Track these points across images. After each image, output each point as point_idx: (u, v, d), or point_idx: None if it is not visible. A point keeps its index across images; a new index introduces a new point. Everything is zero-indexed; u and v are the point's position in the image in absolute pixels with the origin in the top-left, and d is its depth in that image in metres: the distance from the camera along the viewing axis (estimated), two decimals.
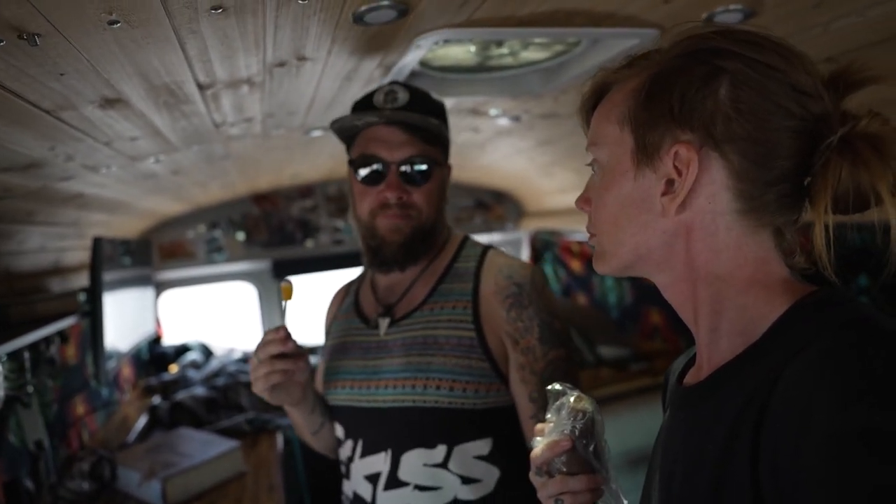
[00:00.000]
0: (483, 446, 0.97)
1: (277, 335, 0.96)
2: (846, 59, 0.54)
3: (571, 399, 0.72)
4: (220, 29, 0.74)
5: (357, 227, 1.07)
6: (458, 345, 0.98)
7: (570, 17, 0.89)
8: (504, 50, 1.31)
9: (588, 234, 0.65)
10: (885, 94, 0.60)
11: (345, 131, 1.08)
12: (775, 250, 0.56)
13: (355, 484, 1.02)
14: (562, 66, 1.35)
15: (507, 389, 0.99)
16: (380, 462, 0.98)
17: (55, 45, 0.64)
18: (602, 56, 1.20)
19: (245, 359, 3.10)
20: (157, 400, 2.58)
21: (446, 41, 1.07)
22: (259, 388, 0.96)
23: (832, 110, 0.53)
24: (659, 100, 0.55)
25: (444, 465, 0.96)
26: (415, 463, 0.96)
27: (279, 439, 2.20)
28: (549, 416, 0.73)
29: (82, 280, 2.22)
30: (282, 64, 0.97)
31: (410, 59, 1.09)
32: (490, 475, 0.96)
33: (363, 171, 1.03)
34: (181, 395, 2.49)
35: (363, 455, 1.00)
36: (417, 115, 1.01)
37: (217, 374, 2.82)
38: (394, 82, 1.05)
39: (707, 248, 0.56)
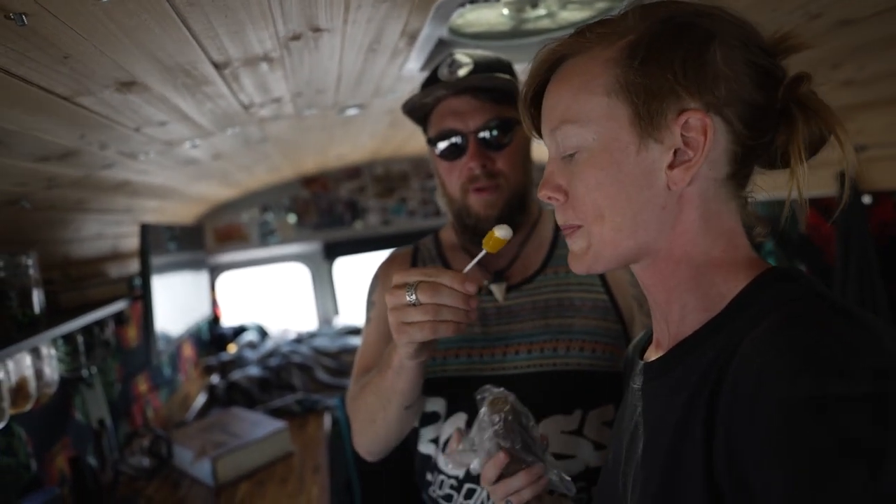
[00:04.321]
0: (610, 411, 0.94)
1: (465, 286, 0.72)
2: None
3: (485, 407, 0.74)
4: (220, 1, 0.70)
5: (449, 207, 1.04)
6: (595, 307, 0.98)
7: None
8: (541, 11, 1.21)
9: (565, 228, 0.59)
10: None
11: (416, 111, 1.06)
12: (740, 223, 0.57)
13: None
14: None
15: None
16: None
17: (46, 25, 0.62)
18: None
19: (299, 339, 3.18)
20: (215, 379, 2.68)
21: (473, 2, 0.99)
22: (416, 337, 0.74)
23: (782, 69, 0.55)
24: (658, 65, 0.52)
25: (579, 431, 0.92)
26: (552, 430, 0.92)
27: (327, 420, 2.23)
28: (473, 429, 0.76)
29: (137, 265, 2.31)
30: (297, 37, 0.92)
31: (436, 26, 1.02)
32: None
33: (442, 147, 1.01)
34: (236, 376, 2.58)
35: None
36: (484, 76, 0.98)
37: (271, 354, 2.90)
38: (454, 51, 1.02)
39: (699, 216, 0.55)
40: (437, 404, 1.00)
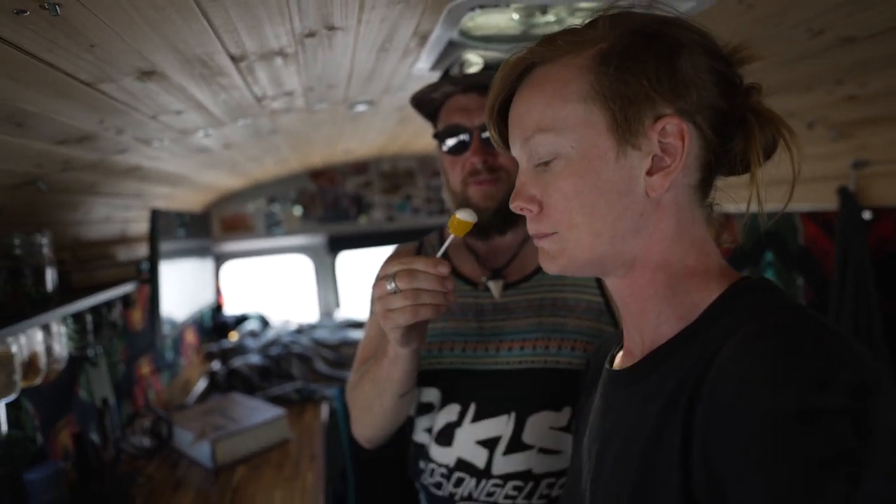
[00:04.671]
0: None
1: (437, 269, 0.77)
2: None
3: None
4: None
5: (451, 201, 1.07)
6: (588, 308, 1.00)
7: None
8: (550, 17, 1.24)
9: (538, 236, 0.59)
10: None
11: (425, 106, 1.09)
12: (708, 231, 0.59)
13: (461, 450, 0.98)
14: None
15: None
16: (500, 425, 0.96)
17: (77, 15, 0.65)
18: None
19: (300, 330, 3.21)
20: (216, 365, 2.71)
21: (482, 7, 1.02)
22: (399, 321, 0.79)
23: (738, 78, 0.57)
24: (634, 73, 0.53)
25: (567, 428, 0.95)
26: (541, 425, 0.95)
27: (324, 410, 2.26)
28: None
29: (146, 249, 2.35)
30: (312, 34, 0.95)
31: (447, 28, 1.05)
32: None
33: (449, 142, 1.04)
34: (237, 363, 2.61)
35: (476, 419, 0.97)
36: (490, 74, 1.01)
37: (272, 343, 2.93)
38: (466, 51, 1.06)
39: (675, 223, 0.56)
40: (431, 395, 1.03)
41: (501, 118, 0.63)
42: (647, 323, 0.58)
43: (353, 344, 2.98)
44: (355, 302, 3.68)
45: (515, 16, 1.23)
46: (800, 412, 0.40)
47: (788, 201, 0.54)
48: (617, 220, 0.55)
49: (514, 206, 0.60)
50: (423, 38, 1.11)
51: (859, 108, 1.61)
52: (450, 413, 1.00)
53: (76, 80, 0.87)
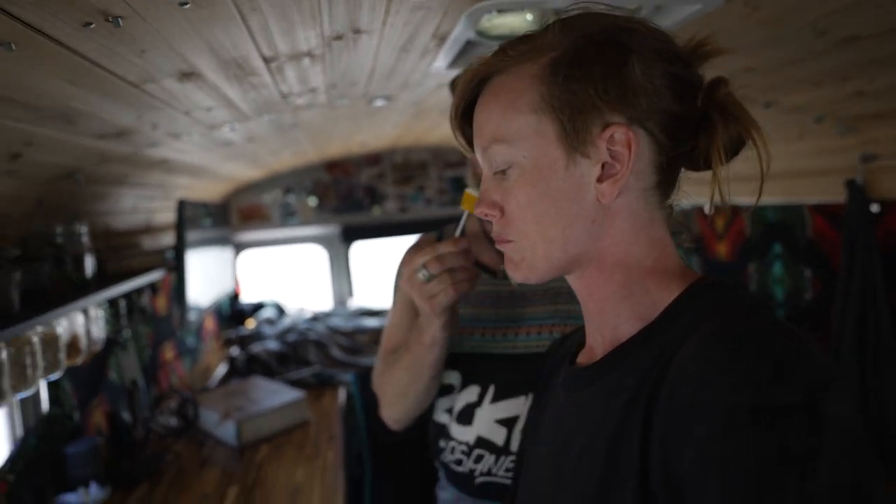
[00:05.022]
0: None
1: (458, 247, 0.84)
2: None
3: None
4: (278, 4, 0.80)
5: (472, 179, 1.12)
6: None
7: None
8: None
9: (501, 241, 0.61)
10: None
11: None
12: (668, 233, 0.59)
13: (481, 429, 1.03)
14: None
15: None
16: (518, 405, 1.01)
17: (135, 26, 0.72)
18: (664, 22, 1.16)
19: (315, 317, 3.30)
20: (235, 351, 2.81)
21: (500, 11, 1.07)
22: (444, 302, 0.86)
23: (699, 77, 0.57)
24: (581, 83, 0.53)
25: None
26: None
27: (341, 394, 2.34)
28: None
29: (169, 238, 2.43)
30: (339, 37, 1.01)
31: (465, 29, 1.10)
32: None
33: None
34: (256, 348, 2.70)
35: (495, 400, 1.03)
36: None
37: (289, 330, 3.02)
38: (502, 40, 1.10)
39: (630, 226, 0.57)
40: (451, 377, 1.10)
41: (468, 122, 0.63)
42: (607, 322, 0.59)
43: (367, 331, 3.06)
44: (368, 291, 3.76)
45: (530, 17, 1.28)
46: (755, 409, 0.41)
47: (758, 199, 0.55)
48: (567, 227, 0.56)
49: (478, 212, 0.61)
50: (441, 39, 1.17)
51: (866, 104, 1.65)
52: (470, 394, 1.06)
53: (124, 82, 0.94)
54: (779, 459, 0.39)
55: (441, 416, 1.12)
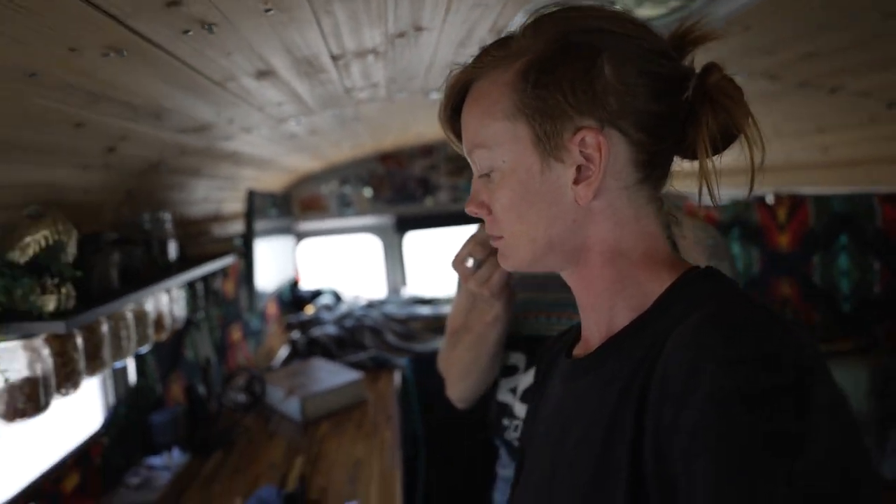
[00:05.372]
0: None
1: None
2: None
3: None
4: (349, 6, 0.86)
5: None
6: None
7: None
8: (616, 8, 1.31)
9: (494, 238, 0.63)
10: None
11: None
12: (659, 225, 0.59)
13: None
14: (678, 22, 1.32)
15: None
16: None
17: (225, 31, 0.80)
18: (722, 10, 1.16)
19: (370, 305, 3.42)
20: (296, 335, 2.95)
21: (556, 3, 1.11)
22: (499, 279, 0.93)
23: (685, 68, 0.56)
24: (549, 89, 0.53)
25: None
26: None
27: (397, 377, 2.44)
28: None
29: (236, 227, 2.59)
30: (402, 34, 1.07)
31: (520, 21, 1.14)
32: None
33: None
34: (316, 332, 2.84)
35: None
36: None
37: (345, 316, 3.15)
38: None
39: (614, 224, 0.57)
40: (515, 358, 1.15)
41: (459, 122, 0.64)
42: (602, 315, 0.60)
43: (421, 319, 3.15)
44: (421, 280, 3.85)
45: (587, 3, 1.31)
46: (744, 394, 0.41)
47: (750, 191, 0.54)
48: (549, 228, 0.57)
49: (468, 210, 0.63)
50: (499, 33, 1.21)
51: None
52: (531, 376, 1.11)
53: (209, 80, 1.04)
54: (768, 444, 0.39)
55: (505, 396, 1.17)
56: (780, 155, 2.12)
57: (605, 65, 0.53)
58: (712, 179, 0.54)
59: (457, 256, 0.94)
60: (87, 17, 0.66)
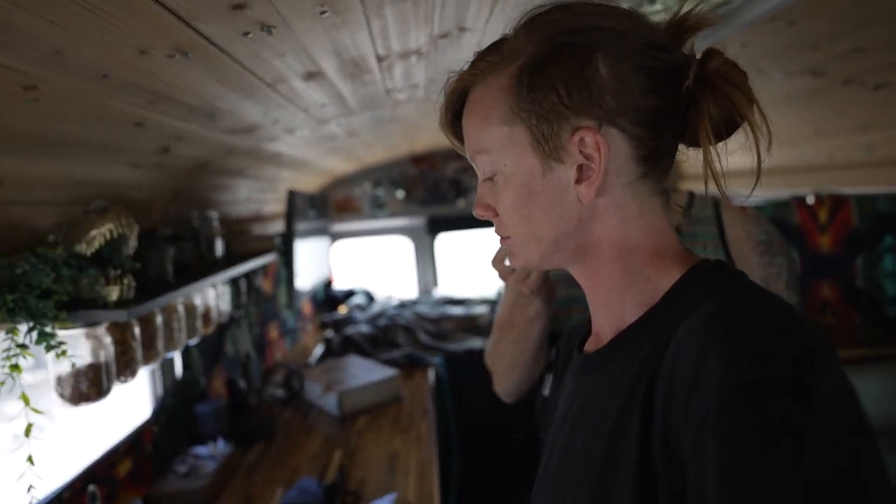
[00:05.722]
0: None
1: None
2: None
3: None
4: (399, 9, 0.90)
5: None
6: None
7: None
8: (657, 6, 1.31)
9: (502, 238, 0.64)
10: None
11: None
12: (666, 218, 0.59)
13: None
14: (722, 18, 1.32)
15: None
16: None
17: (281, 33, 0.84)
18: (763, 8, 1.15)
19: (402, 305, 3.46)
20: (330, 333, 3.01)
21: None
22: (534, 281, 0.96)
23: (683, 57, 0.55)
24: (543, 91, 0.54)
25: None
26: None
27: (430, 375, 2.46)
28: None
29: (276, 227, 2.65)
30: (445, 35, 1.10)
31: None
32: None
33: None
34: (350, 331, 2.89)
35: None
36: None
37: (378, 315, 3.19)
38: None
39: (618, 221, 0.57)
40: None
41: (460, 126, 0.65)
42: (612, 310, 0.60)
43: (453, 319, 3.17)
44: (453, 280, 3.87)
45: (625, 6, 1.31)
46: (747, 384, 0.41)
47: (753, 189, 0.53)
48: (554, 227, 0.58)
49: (476, 213, 0.64)
50: None
51: None
52: None
53: (261, 81, 1.08)
54: (771, 436, 0.39)
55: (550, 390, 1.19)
56: (821, 154, 2.08)
57: (599, 63, 0.53)
58: (717, 168, 0.53)
59: (496, 256, 0.97)
60: (158, 19, 0.71)
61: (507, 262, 0.96)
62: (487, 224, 0.65)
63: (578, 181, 0.55)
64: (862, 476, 0.39)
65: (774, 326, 0.44)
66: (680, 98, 0.55)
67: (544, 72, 0.54)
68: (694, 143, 0.57)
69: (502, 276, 0.98)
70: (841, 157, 1.99)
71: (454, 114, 0.64)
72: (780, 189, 2.37)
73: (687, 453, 0.43)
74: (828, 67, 1.37)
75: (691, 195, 1.15)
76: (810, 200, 2.52)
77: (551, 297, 1.02)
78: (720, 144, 0.55)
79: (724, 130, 0.54)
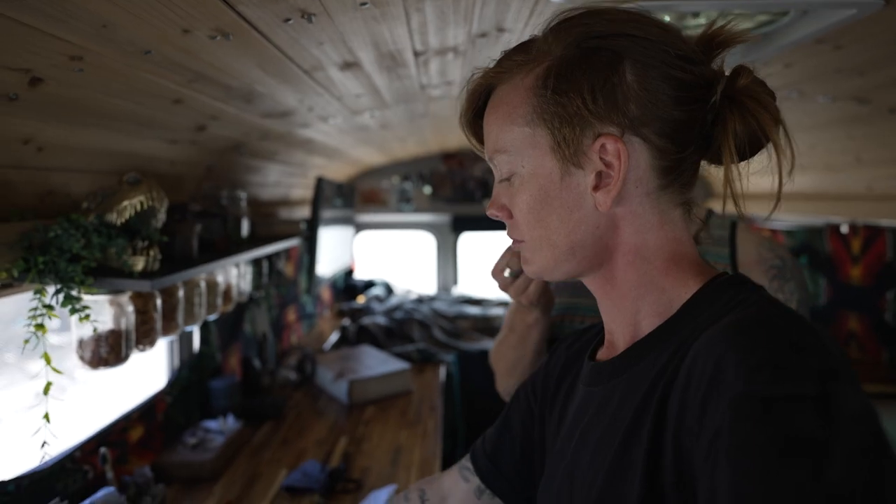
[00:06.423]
0: None
1: None
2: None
3: None
4: (439, 6, 0.90)
5: None
6: None
7: None
8: (701, 20, 1.29)
9: (513, 241, 0.63)
10: None
11: None
12: (686, 230, 0.58)
13: None
14: (765, 37, 1.29)
15: None
16: None
17: (321, 22, 0.86)
18: (812, 27, 1.12)
19: (420, 300, 3.47)
20: (346, 322, 3.04)
21: None
22: (532, 293, 0.95)
23: (712, 72, 0.54)
24: (568, 95, 0.53)
25: None
26: None
27: (442, 371, 2.47)
28: None
29: (302, 212, 2.69)
30: (484, 35, 1.10)
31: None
32: None
33: None
34: (366, 321, 2.91)
35: None
36: None
37: (396, 308, 3.21)
38: None
39: (636, 230, 0.56)
40: None
41: (481, 126, 0.64)
42: (626, 319, 0.59)
43: (469, 318, 3.17)
44: (472, 280, 3.87)
45: (666, 18, 1.30)
46: (766, 399, 0.40)
47: (772, 211, 0.53)
48: (571, 234, 0.57)
49: (489, 213, 0.63)
50: None
51: None
52: None
53: (299, 68, 1.10)
54: (788, 452, 0.39)
55: None
56: (860, 183, 2.02)
57: (626, 71, 0.52)
58: (737, 187, 0.52)
59: (495, 266, 0.97)
60: (202, 0, 0.72)
61: (506, 273, 0.97)
62: None
63: (596, 188, 0.54)
64: (887, 493, 0.38)
65: (797, 343, 0.43)
66: (706, 113, 0.54)
67: (571, 75, 0.53)
68: (716, 160, 0.56)
69: (502, 286, 0.99)
70: (880, 188, 1.94)
71: (475, 112, 0.63)
72: (813, 215, 2.31)
73: (699, 462, 0.43)
74: (874, 95, 1.33)
75: (709, 213, 1.14)
76: (844, 230, 2.45)
77: (550, 305, 1.03)
78: (742, 164, 0.54)
79: (747, 150, 0.53)
